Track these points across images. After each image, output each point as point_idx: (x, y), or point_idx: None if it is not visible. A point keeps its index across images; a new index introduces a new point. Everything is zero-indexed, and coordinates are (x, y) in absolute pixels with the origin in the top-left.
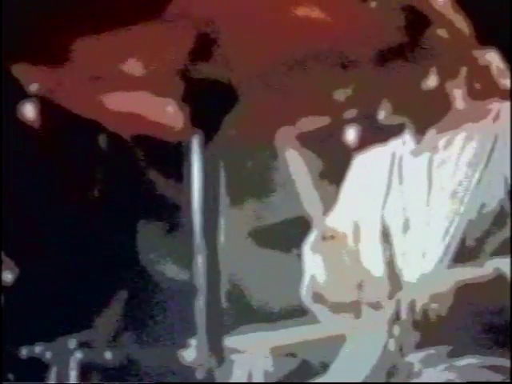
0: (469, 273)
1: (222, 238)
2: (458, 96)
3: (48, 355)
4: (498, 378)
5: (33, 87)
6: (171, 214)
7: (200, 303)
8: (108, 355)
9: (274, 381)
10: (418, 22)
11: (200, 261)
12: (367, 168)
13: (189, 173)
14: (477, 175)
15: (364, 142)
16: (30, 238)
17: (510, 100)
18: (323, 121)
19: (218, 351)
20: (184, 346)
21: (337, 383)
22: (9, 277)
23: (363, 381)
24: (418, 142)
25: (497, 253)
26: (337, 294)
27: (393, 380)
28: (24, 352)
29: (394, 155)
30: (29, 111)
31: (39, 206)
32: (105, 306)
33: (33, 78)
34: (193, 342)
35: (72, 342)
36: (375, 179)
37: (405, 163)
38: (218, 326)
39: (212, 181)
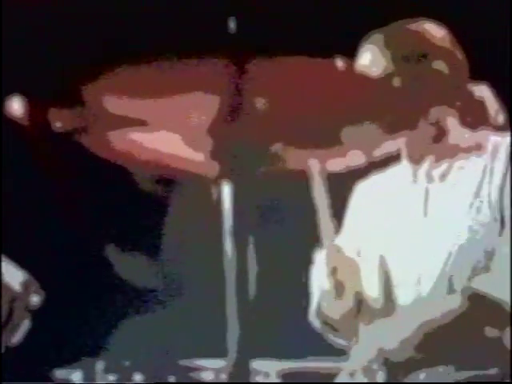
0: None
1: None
2: (453, 127)
3: (76, 378)
4: None
5: (58, 124)
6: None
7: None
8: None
9: None
10: (416, 55)
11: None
12: (367, 195)
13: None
14: (469, 205)
15: (364, 170)
16: (55, 260)
17: (511, 129)
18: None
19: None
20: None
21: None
22: (35, 300)
23: None
24: (415, 171)
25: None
26: (337, 314)
27: None
28: (55, 375)
29: (391, 184)
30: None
31: (67, 229)
32: (131, 327)
33: (58, 117)
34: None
35: (100, 364)
36: (374, 206)
37: (402, 192)
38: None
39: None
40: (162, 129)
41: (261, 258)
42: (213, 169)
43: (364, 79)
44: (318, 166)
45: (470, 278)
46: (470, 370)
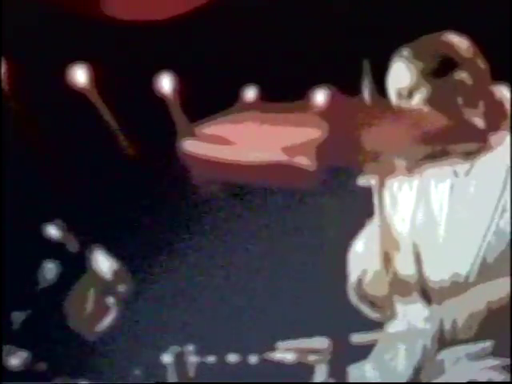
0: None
1: None
2: (477, 126)
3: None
4: None
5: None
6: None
7: None
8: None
9: None
10: (446, 65)
11: None
12: (397, 191)
13: None
14: (493, 200)
15: None
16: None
17: (510, 124)
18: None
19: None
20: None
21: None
22: (124, 288)
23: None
24: (441, 168)
25: None
26: (375, 290)
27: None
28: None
29: (420, 180)
30: None
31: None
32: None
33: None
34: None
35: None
36: (404, 201)
37: (429, 188)
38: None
39: None
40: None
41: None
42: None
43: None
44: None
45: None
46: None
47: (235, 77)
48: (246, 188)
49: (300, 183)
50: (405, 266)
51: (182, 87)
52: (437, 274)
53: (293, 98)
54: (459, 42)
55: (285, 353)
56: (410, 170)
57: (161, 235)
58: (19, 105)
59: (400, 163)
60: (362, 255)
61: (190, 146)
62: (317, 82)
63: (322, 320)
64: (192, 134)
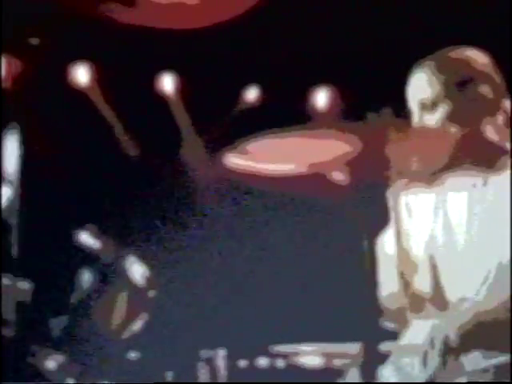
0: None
1: None
2: (494, 138)
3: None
4: None
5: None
6: None
7: None
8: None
9: None
10: (465, 80)
11: None
12: (415, 202)
13: None
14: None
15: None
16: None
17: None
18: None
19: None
20: None
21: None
22: (152, 294)
23: None
24: (458, 180)
25: None
26: (396, 306)
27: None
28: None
29: (438, 192)
30: None
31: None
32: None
33: None
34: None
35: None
36: (422, 212)
37: (446, 199)
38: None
39: None
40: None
41: None
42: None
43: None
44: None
45: None
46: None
47: (237, 77)
48: (277, 198)
49: (333, 196)
50: (421, 280)
51: (184, 88)
52: (453, 284)
53: (293, 97)
54: (478, 57)
55: (312, 357)
56: (430, 182)
57: (191, 242)
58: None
59: (422, 176)
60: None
61: (233, 159)
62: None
63: (352, 325)
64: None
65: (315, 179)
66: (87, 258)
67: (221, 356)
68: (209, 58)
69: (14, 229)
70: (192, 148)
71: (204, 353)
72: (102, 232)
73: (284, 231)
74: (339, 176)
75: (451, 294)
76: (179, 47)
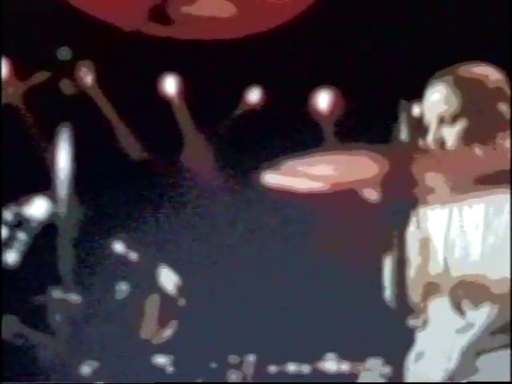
0: None
1: None
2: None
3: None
4: None
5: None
6: None
7: None
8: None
9: None
10: (482, 96)
11: None
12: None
13: None
14: None
15: None
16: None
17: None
18: None
19: None
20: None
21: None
22: (183, 301)
23: None
24: (474, 195)
25: None
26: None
27: None
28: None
29: (452, 205)
30: None
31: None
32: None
33: None
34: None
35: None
36: (439, 222)
37: (463, 209)
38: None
39: None
40: None
41: None
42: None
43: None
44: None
45: None
46: None
47: (239, 79)
48: (306, 211)
49: (364, 212)
50: (436, 269)
51: (186, 90)
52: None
53: (296, 99)
54: (493, 73)
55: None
56: (450, 199)
57: (218, 249)
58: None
59: (443, 193)
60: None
61: (271, 177)
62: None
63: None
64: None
65: (348, 196)
66: (122, 268)
67: (250, 362)
68: (211, 59)
69: (63, 241)
70: (195, 150)
71: (233, 358)
72: (135, 242)
73: (311, 241)
74: (371, 194)
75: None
76: (181, 49)
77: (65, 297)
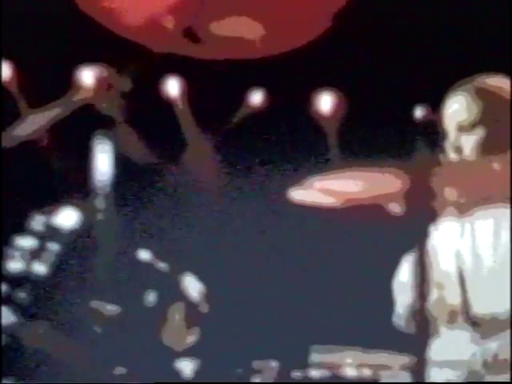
0: None
1: None
2: None
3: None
4: None
5: None
6: None
7: None
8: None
9: None
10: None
11: None
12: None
13: None
14: None
15: None
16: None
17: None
18: None
19: None
20: None
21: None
22: (206, 308)
23: None
24: (486, 208)
25: None
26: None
27: None
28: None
29: (463, 222)
30: None
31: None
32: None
33: None
34: None
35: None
36: (450, 233)
37: (475, 225)
38: None
39: None
40: None
41: None
42: None
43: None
44: None
45: None
46: None
47: (241, 81)
48: (333, 222)
49: (387, 224)
50: (452, 295)
51: (189, 91)
52: (482, 304)
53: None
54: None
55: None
56: (464, 211)
57: (241, 257)
58: None
59: (462, 206)
60: (408, 284)
61: (298, 194)
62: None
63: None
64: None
65: (374, 210)
66: (150, 276)
67: (273, 367)
68: (214, 61)
69: (103, 250)
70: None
71: (256, 364)
72: (162, 251)
73: (336, 253)
74: (394, 207)
75: (481, 313)
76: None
77: (101, 307)
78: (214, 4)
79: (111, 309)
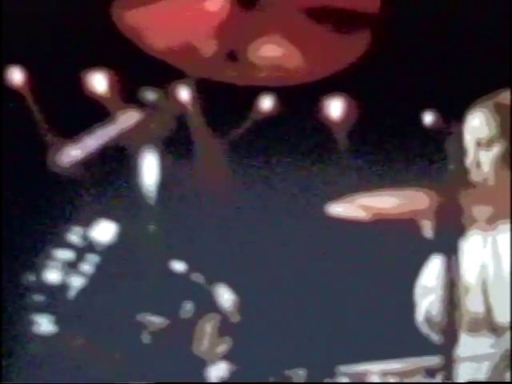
0: None
1: None
2: None
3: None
4: None
5: None
6: None
7: None
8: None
9: None
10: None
11: None
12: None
13: None
14: None
15: None
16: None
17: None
18: None
19: None
20: None
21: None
22: (237, 318)
23: None
24: (505, 222)
25: None
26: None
27: None
28: None
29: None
30: None
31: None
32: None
33: None
34: None
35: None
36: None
37: (498, 237)
38: None
39: None
40: None
41: None
42: None
43: None
44: None
45: None
46: None
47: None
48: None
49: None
50: (474, 304)
51: (198, 96)
52: (504, 312)
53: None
54: None
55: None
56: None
57: (271, 267)
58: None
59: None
60: (430, 288)
61: (336, 208)
62: None
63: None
64: None
65: (407, 225)
66: (185, 287)
67: (301, 376)
68: None
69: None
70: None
71: (286, 373)
72: (196, 261)
73: (369, 266)
74: (426, 224)
75: (502, 320)
76: None
77: (149, 319)
78: (252, 29)
79: (156, 320)
